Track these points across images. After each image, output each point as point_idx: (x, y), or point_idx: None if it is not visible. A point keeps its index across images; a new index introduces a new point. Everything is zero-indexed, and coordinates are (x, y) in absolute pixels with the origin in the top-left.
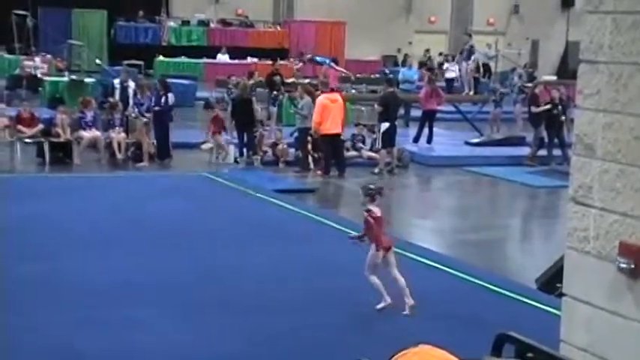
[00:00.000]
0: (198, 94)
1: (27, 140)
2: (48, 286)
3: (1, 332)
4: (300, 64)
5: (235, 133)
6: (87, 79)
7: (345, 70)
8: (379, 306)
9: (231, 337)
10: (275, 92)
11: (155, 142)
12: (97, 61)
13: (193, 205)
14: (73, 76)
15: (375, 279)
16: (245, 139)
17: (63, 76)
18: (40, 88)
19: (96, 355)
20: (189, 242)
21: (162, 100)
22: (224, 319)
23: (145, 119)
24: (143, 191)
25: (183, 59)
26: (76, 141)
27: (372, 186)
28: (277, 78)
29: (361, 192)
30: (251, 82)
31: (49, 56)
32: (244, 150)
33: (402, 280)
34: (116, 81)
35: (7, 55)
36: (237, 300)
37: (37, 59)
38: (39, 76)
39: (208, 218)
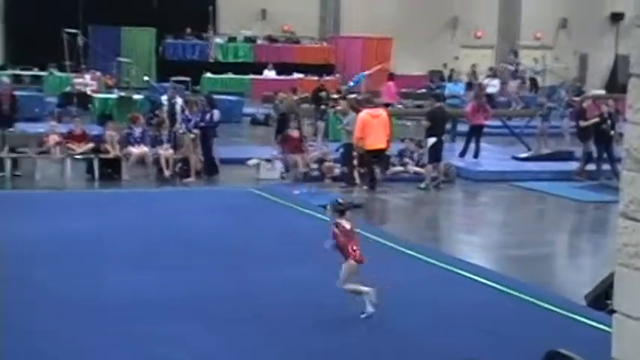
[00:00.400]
0: (245, 110)
1: (77, 156)
2: (83, 300)
3: (37, 346)
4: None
5: (281, 149)
6: (135, 96)
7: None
8: (365, 315)
9: (268, 353)
10: (322, 107)
11: (202, 157)
12: (145, 77)
13: (238, 220)
14: (122, 93)
15: (350, 285)
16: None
17: (112, 93)
18: (89, 105)
19: None
20: (231, 257)
21: (208, 116)
22: (260, 334)
23: (192, 135)
24: (189, 206)
25: (230, 75)
26: (125, 157)
27: (341, 201)
28: (323, 93)
29: (329, 207)
30: (295, 97)
31: (98, 73)
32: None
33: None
34: (164, 97)
35: (58, 73)
36: (275, 316)
37: (87, 76)
38: (89, 93)
39: (252, 233)
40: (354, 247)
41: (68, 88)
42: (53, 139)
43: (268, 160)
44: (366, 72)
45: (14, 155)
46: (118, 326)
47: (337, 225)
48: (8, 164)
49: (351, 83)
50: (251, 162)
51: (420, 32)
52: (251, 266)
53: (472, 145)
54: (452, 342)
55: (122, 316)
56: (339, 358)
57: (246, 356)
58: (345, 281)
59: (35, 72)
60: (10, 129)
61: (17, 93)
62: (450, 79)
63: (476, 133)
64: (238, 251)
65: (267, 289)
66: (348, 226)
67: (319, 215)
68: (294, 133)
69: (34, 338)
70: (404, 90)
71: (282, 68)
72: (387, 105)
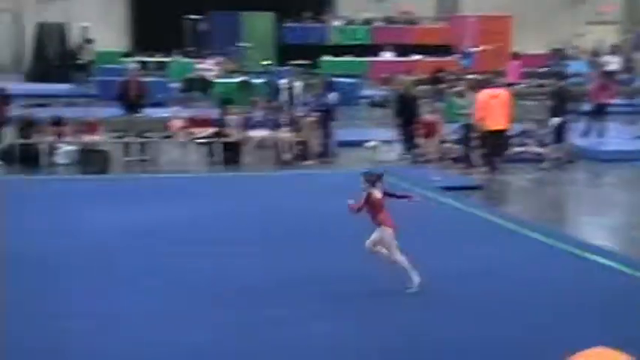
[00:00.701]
0: (363, 92)
1: (199, 140)
2: (191, 284)
3: (147, 332)
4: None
5: (399, 131)
6: (255, 80)
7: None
8: (413, 287)
9: (379, 336)
10: (440, 88)
11: (321, 140)
12: (265, 62)
13: (354, 202)
14: (243, 78)
15: (401, 257)
16: (409, 136)
17: (233, 77)
18: (211, 90)
19: (242, 355)
20: (344, 239)
21: (326, 99)
22: (376, 316)
23: (311, 118)
24: (307, 189)
25: (348, 58)
26: (245, 141)
27: (372, 172)
28: (442, 74)
29: (362, 178)
30: (413, 79)
31: (220, 59)
32: (408, 147)
33: (382, 254)
34: (283, 81)
35: (181, 59)
36: (384, 299)
37: (209, 62)
38: (210, 78)
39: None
40: (386, 216)
41: (191, 74)
42: (177, 123)
43: (387, 142)
44: (473, 49)
45: (141, 140)
46: (223, 310)
47: (369, 195)
48: (136, 149)
49: (464, 62)
50: (369, 144)
51: (541, 9)
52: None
53: (596, 125)
54: (578, 327)
55: (228, 301)
56: (460, 344)
57: (356, 339)
58: (394, 250)
59: (160, 58)
60: (138, 114)
61: (143, 79)
62: (572, 57)
63: (600, 112)
64: (350, 232)
65: (379, 271)
66: (379, 195)
67: (437, 197)
68: (430, 117)
69: (150, 319)
70: (524, 69)
71: (401, 50)
72: (510, 84)
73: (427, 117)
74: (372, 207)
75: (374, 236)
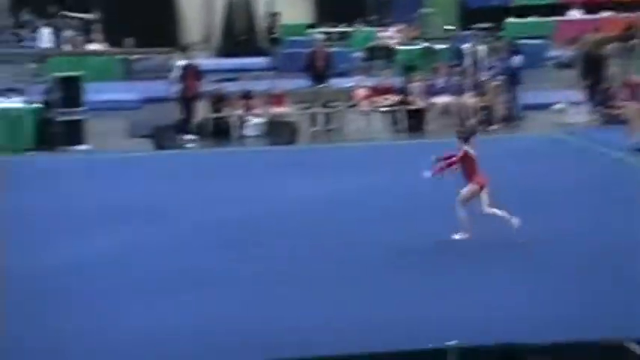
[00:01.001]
0: (550, 53)
1: (383, 109)
2: (371, 252)
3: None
4: None
5: (587, 92)
6: (438, 46)
7: None
8: (457, 236)
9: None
10: (632, 45)
11: (506, 104)
12: (447, 27)
13: (543, 166)
14: (425, 44)
15: (463, 213)
16: (597, 97)
17: (416, 44)
18: (394, 58)
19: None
20: (531, 203)
21: (510, 62)
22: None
23: (496, 82)
24: (492, 154)
25: (534, 19)
26: (429, 107)
27: (464, 129)
28: (633, 31)
29: (456, 134)
30: (600, 37)
31: (402, 26)
32: (597, 109)
33: (496, 212)
34: (466, 46)
35: (364, 29)
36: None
37: (392, 30)
38: (393, 46)
39: (550, 179)
40: (476, 172)
41: (373, 43)
42: (361, 93)
43: (575, 104)
44: None
45: (326, 110)
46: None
47: (464, 151)
48: (321, 119)
49: None
50: (557, 106)
51: None
52: (547, 212)
53: None
54: None
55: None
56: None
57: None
58: (464, 202)
59: (342, 28)
60: (324, 85)
61: (328, 50)
62: None
63: None
64: (544, 196)
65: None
66: (471, 152)
67: (632, 160)
68: (637, 78)
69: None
70: None
71: (590, 7)
72: None
73: (635, 78)
74: (465, 163)
75: (463, 192)
